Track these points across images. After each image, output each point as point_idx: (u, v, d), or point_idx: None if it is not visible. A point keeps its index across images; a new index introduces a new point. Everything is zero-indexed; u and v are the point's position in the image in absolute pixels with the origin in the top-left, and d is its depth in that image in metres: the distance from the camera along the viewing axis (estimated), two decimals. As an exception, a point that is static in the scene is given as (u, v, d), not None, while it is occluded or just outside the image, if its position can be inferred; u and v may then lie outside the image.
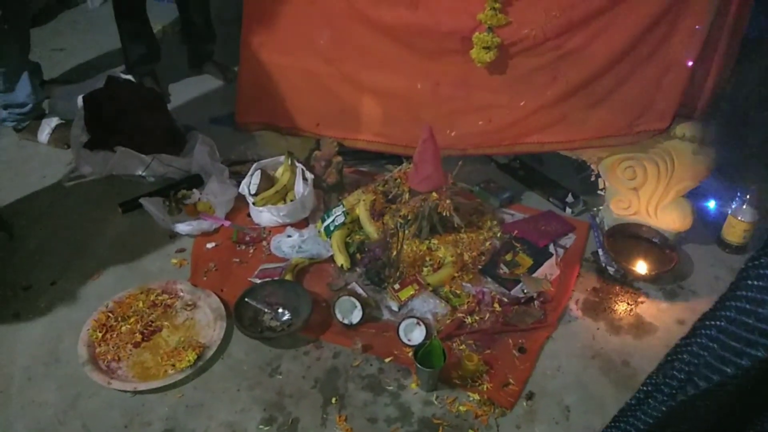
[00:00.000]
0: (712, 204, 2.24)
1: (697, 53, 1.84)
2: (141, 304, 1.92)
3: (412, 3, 1.99)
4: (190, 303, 1.93)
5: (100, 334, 1.83)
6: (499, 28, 1.91)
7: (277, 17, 2.15)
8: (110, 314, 1.89)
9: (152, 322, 1.87)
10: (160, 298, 1.94)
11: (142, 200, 2.22)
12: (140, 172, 2.36)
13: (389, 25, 2.04)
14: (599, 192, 2.21)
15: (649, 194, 2.06)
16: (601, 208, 2.24)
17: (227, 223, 2.21)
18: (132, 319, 1.88)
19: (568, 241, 2.17)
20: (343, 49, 2.15)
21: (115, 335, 1.84)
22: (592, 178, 2.21)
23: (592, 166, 2.16)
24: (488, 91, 2.06)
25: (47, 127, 2.67)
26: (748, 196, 2.06)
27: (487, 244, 2.12)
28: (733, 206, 2.11)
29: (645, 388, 1.03)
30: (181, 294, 1.96)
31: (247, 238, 2.16)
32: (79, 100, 2.48)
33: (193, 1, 2.94)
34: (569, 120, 2.02)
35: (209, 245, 2.14)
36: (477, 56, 1.96)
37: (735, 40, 1.87)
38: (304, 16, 2.13)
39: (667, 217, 2.06)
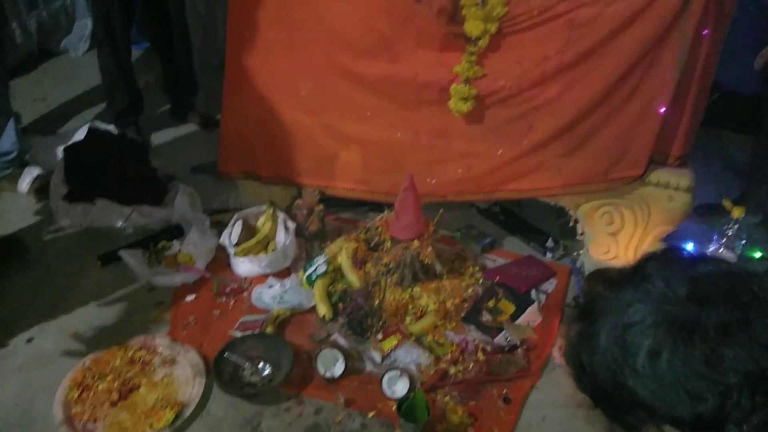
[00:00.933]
0: (690, 246, 2.27)
1: (669, 102, 1.88)
2: (119, 361, 1.88)
3: (391, 56, 2.03)
4: (168, 359, 1.89)
5: (76, 393, 1.79)
6: (475, 80, 1.95)
7: (259, 69, 2.18)
8: (87, 372, 1.85)
9: (130, 379, 1.84)
10: (138, 354, 1.91)
11: (121, 253, 2.20)
12: (120, 224, 2.35)
13: (369, 77, 2.08)
14: (578, 237, 2.23)
15: (628, 239, 2.09)
16: (581, 252, 2.26)
17: (207, 275, 2.19)
18: (109, 377, 1.84)
19: (550, 286, 2.17)
20: (325, 101, 2.18)
21: (91, 394, 1.80)
22: (571, 224, 2.23)
23: (570, 212, 2.19)
24: (467, 140, 2.09)
25: (28, 176, 2.66)
26: (724, 239, 2.10)
27: (470, 290, 2.12)
28: (711, 248, 2.14)
29: None
30: (160, 350, 1.92)
31: (228, 290, 2.14)
32: (60, 151, 2.47)
33: (176, 51, 2.97)
34: (546, 168, 2.05)
35: (189, 297, 2.11)
36: (455, 107, 2.00)
37: (705, 88, 1.93)
38: (286, 68, 2.17)
39: (646, 262, 2.08)
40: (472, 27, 1.86)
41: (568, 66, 1.87)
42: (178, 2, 2.83)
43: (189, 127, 3.12)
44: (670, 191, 1.96)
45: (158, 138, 3.04)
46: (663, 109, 1.90)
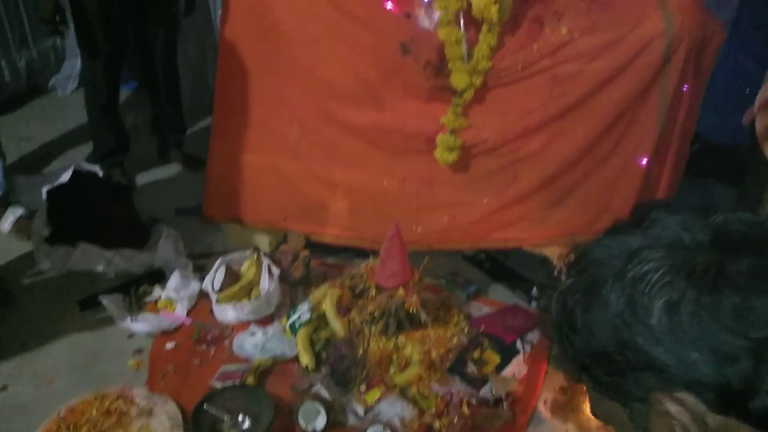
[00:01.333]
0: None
1: (650, 154, 1.92)
2: (95, 412, 1.83)
3: (378, 105, 2.05)
4: (146, 410, 1.84)
5: (48, 446, 1.74)
6: (461, 131, 1.98)
7: (247, 114, 2.20)
8: (62, 423, 1.80)
9: (105, 431, 1.78)
10: (115, 404, 1.85)
11: (101, 298, 2.16)
12: (101, 268, 2.32)
13: (357, 125, 2.10)
14: (563, 287, 2.23)
15: (612, 290, 2.08)
16: (566, 301, 2.25)
17: (188, 321, 2.16)
18: (84, 428, 1.78)
19: (535, 336, 2.16)
20: (312, 147, 2.19)
21: (65, 446, 1.74)
22: (555, 274, 2.22)
23: (554, 262, 2.19)
24: (452, 189, 2.11)
25: (11, 215, 2.63)
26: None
27: (455, 340, 2.10)
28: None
29: None
30: (137, 400, 1.87)
31: (209, 337, 2.10)
32: (44, 192, 2.45)
33: (164, 92, 2.98)
34: (530, 218, 2.07)
35: (169, 345, 2.07)
36: (440, 156, 2.02)
37: (685, 140, 1.97)
38: (273, 114, 2.18)
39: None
40: (458, 80, 1.89)
41: (552, 119, 1.90)
42: (169, 44, 2.86)
43: (175, 168, 3.11)
44: (654, 243, 1.98)
45: (144, 178, 3.03)
46: (645, 162, 1.93)
